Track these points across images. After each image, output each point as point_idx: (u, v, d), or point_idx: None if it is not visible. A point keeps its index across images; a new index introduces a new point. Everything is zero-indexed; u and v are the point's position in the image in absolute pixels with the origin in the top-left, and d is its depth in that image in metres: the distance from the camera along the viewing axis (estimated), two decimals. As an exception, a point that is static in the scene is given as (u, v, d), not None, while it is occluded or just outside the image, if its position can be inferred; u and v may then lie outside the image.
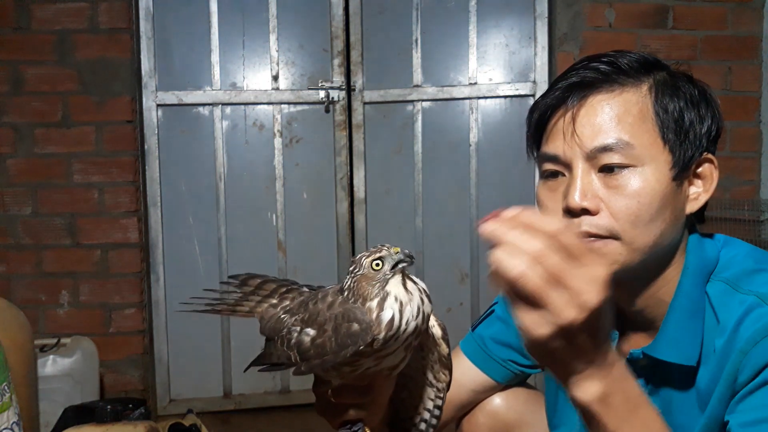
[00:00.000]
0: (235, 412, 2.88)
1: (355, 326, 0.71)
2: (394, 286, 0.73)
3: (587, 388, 0.70)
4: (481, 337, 1.17)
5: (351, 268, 0.75)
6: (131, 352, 2.77)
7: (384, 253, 0.73)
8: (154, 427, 1.62)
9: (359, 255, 0.75)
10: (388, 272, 0.73)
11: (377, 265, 0.73)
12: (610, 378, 0.70)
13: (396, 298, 0.72)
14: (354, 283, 0.74)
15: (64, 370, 2.46)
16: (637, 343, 0.94)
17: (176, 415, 2.58)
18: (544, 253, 0.63)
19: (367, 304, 0.72)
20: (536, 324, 0.65)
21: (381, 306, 0.72)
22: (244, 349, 2.83)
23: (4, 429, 1.12)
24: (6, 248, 2.70)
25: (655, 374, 0.90)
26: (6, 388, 1.16)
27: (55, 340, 2.49)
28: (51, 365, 2.44)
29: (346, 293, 0.74)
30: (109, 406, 2.12)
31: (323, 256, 2.93)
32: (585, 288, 0.63)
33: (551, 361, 0.69)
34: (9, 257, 2.70)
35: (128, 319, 2.76)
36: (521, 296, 0.64)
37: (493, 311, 1.17)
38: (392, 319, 0.71)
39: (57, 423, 2.14)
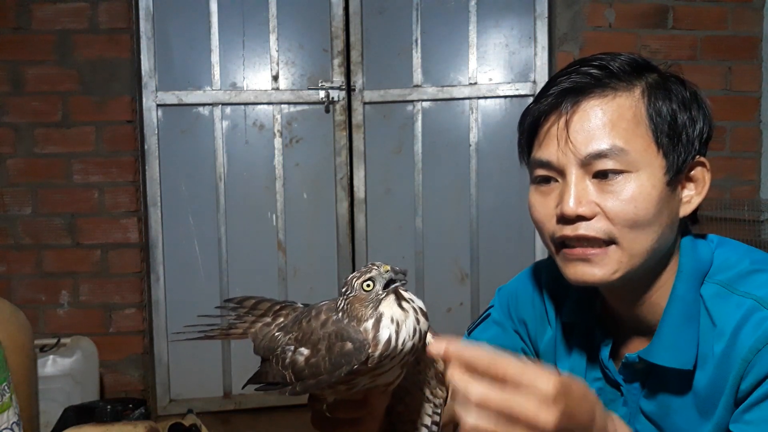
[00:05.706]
0: (235, 412, 2.88)
1: (349, 345, 0.69)
2: (388, 306, 0.70)
3: None
4: (477, 342, 1.16)
5: (344, 290, 0.73)
6: (131, 352, 2.77)
7: (374, 273, 0.71)
8: (154, 427, 1.62)
9: (351, 276, 0.73)
10: (380, 292, 0.70)
11: (368, 285, 0.70)
12: None
13: (392, 319, 0.70)
14: (347, 305, 0.71)
15: (64, 370, 2.46)
16: (633, 347, 0.93)
17: (176, 415, 2.58)
18: (485, 396, 0.63)
19: (362, 326, 0.70)
20: None
21: (376, 327, 0.69)
22: (244, 349, 2.82)
23: (4, 429, 1.12)
24: (6, 248, 2.70)
25: (652, 378, 0.90)
26: (6, 388, 1.15)
27: (55, 340, 2.49)
28: (51, 365, 2.44)
29: (340, 314, 0.72)
30: (109, 406, 2.13)
31: (323, 256, 2.93)
32: (536, 411, 0.63)
33: None
34: (9, 257, 2.70)
35: (128, 319, 2.77)
36: None
37: (489, 315, 1.15)
38: (389, 339, 0.69)
39: (57, 423, 2.14)
